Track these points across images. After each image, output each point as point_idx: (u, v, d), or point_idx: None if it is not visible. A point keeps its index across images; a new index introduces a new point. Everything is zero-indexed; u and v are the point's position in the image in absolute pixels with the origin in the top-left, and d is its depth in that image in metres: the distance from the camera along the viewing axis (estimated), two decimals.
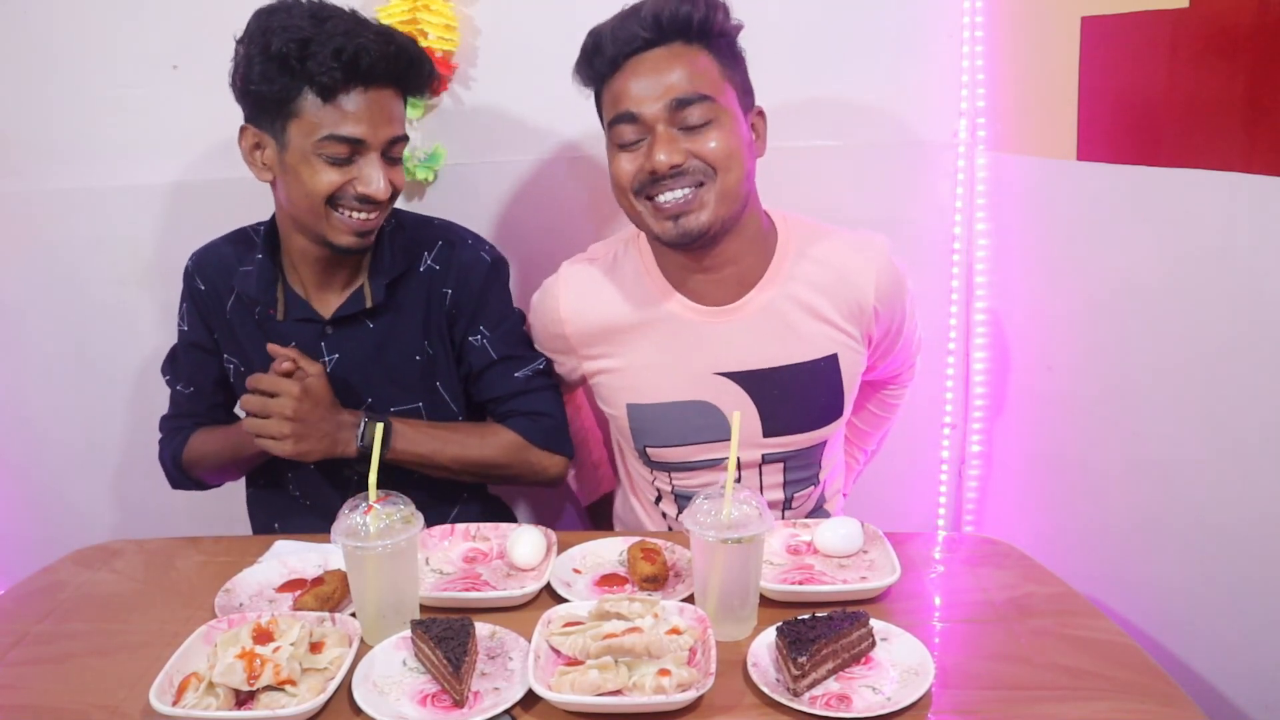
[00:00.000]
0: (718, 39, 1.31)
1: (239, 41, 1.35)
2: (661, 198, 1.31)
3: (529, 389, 1.52)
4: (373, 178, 1.34)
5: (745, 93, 1.36)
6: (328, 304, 1.48)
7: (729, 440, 1.37)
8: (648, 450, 1.48)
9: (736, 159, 1.30)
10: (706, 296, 1.41)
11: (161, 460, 1.60)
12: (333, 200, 1.35)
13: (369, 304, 1.46)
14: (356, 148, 1.33)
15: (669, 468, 1.49)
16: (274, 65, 1.30)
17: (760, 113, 1.39)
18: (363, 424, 1.41)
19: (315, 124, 1.32)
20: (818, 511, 1.57)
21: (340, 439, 1.39)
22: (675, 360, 1.43)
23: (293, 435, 1.35)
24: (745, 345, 1.41)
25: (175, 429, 1.59)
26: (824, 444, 1.49)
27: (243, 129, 1.38)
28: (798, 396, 1.43)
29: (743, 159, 1.32)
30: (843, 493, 1.68)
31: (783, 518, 1.52)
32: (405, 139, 1.40)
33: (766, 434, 1.44)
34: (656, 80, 1.29)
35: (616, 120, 1.32)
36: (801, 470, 1.50)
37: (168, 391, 1.60)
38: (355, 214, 1.36)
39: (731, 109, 1.32)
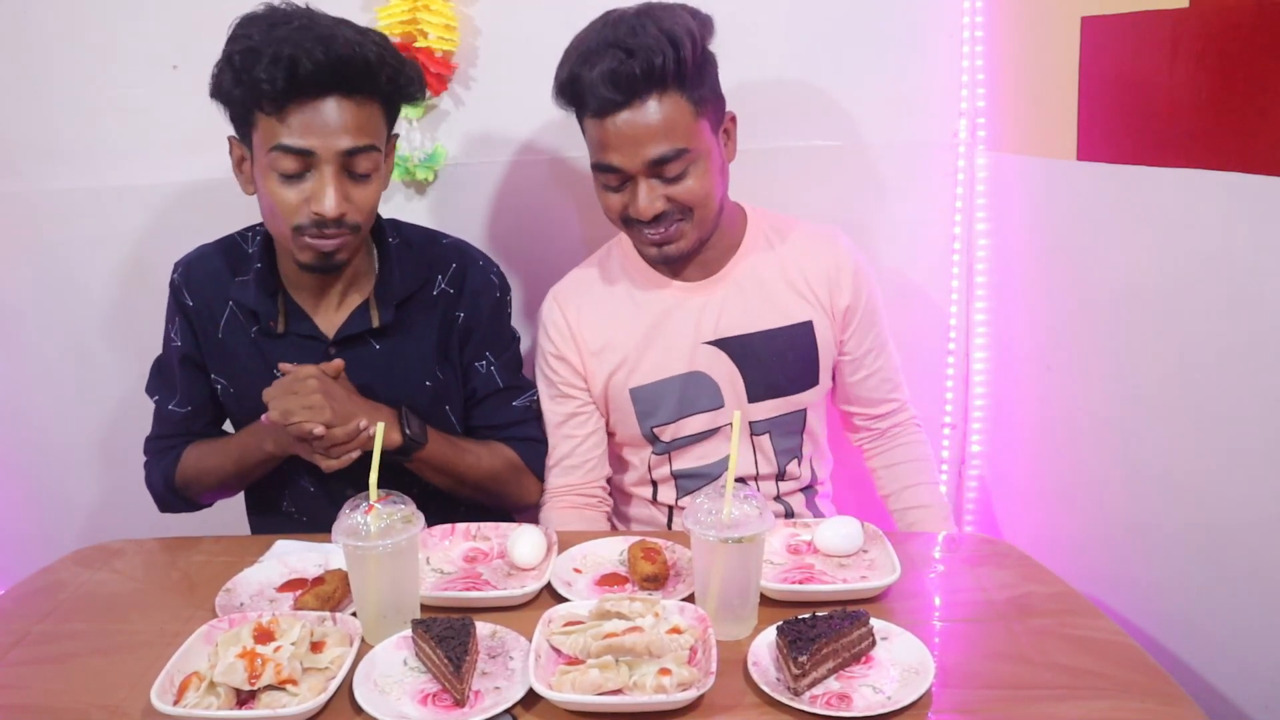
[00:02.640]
0: (689, 76, 1.35)
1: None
2: (646, 230, 1.42)
3: (525, 418, 1.55)
4: (323, 194, 1.28)
5: (717, 110, 1.42)
6: (329, 320, 1.45)
7: (723, 408, 1.52)
8: (654, 430, 1.54)
9: (711, 196, 1.41)
10: (688, 274, 1.52)
11: (150, 483, 1.52)
12: (297, 229, 1.31)
13: (375, 324, 1.43)
14: (306, 160, 1.28)
15: (670, 447, 1.55)
16: (230, 76, 1.28)
17: (732, 118, 1.46)
18: (404, 412, 1.39)
19: (267, 135, 1.28)
20: (809, 490, 1.62)
21: (378, 415, 1.33)
22: (668, 335, 1.52)
23: (327, 406, 1.29)
24: (727, 313, 1.51)
25: (165, 449, 1.51)
26: (804, 413, 1.56)
27: (230, 140, 1.37)
28: (777, 360, 1.52)
29: (716, 193, 1.42)
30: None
31: (777, 491, 1.58)
32: (371, 149, 1.31)
33: (751, 399, 1.52)
34: (634, 141, 1.35)
35: (600, 167, 1.40)
36: (787, 439, 1.57)
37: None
38: (313, 239, 1.31)
39: (705, 147, 1.39)
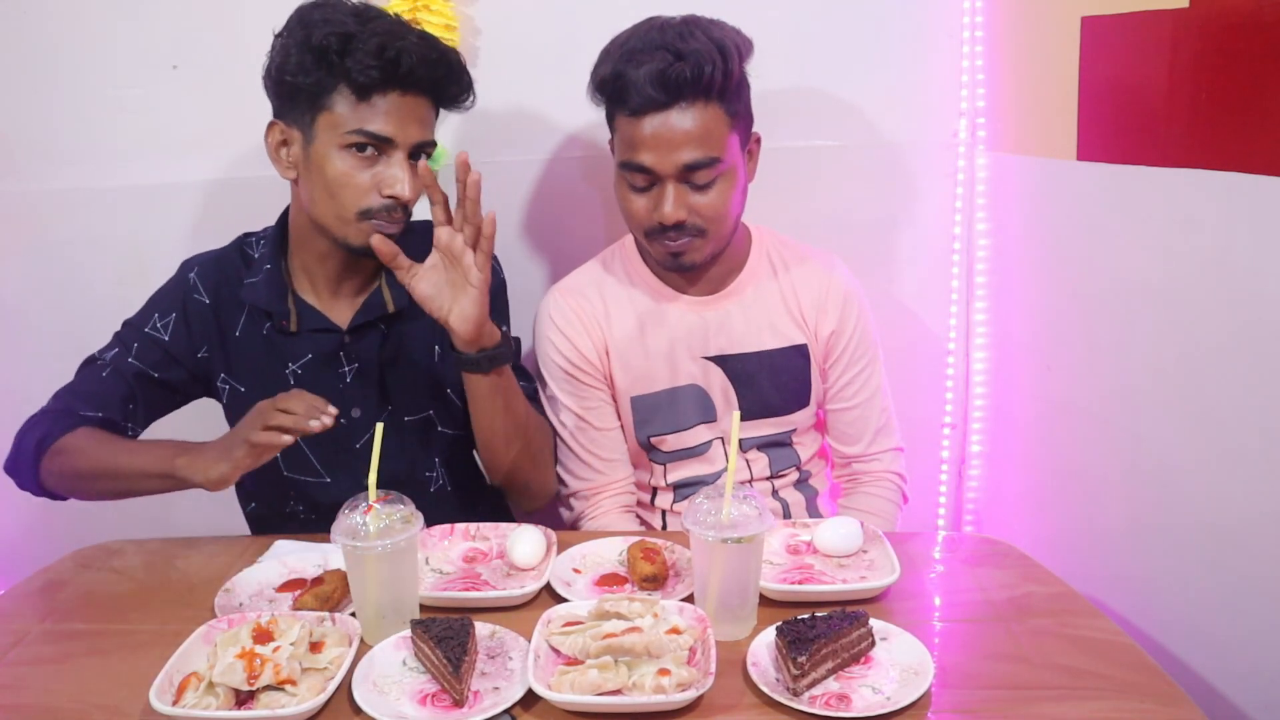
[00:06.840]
0: (730, 89, 1.36)
1: (277, 35, 1.34)
2: (664, 239, 1.41)
3: (533, 399, 1.54)
4: (398, 178, 1.32)
5: (746, 126, 1.43)
6: (340, 312, 1.45)
7: (716, 422, 1.53)
8: (651, 440, 1.55)
9: (729, 214, 1.42)
10: (692, 289, 1.53)
11: (22, 436, 1.38)
12: (365, 212, 1.33)
13: (391, 308, 1.44)
14: (383, 146, 1.32)
15: (666, 458, 1.56)
16: (312, 57, 1.30)
17: (758, 139, 1.46)
18: (505, 333, 1.41)
19: (345, 119, 1.31)
20: (803, 486, 1.61)
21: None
22: (667, 347, 1.52)
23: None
24: (728, 331, 1.52)
25: (67, 413, 1.39)
26: (793, 432, 1.57)
27: (271, 124, 1.37)
28: (772, 381, 1.53)
29: (733, 212, 1.43)
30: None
31: (772, 490, 1.58)
32: (433, 144, 1.38)
33: (744, 417, 1.50)
34: (670, 143, 1.35)
35: (630, 166, 1.38)
36: (778, 452, 1.58)
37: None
38: (380, 223, 1.33)
39: (734, 161, 1.40)
